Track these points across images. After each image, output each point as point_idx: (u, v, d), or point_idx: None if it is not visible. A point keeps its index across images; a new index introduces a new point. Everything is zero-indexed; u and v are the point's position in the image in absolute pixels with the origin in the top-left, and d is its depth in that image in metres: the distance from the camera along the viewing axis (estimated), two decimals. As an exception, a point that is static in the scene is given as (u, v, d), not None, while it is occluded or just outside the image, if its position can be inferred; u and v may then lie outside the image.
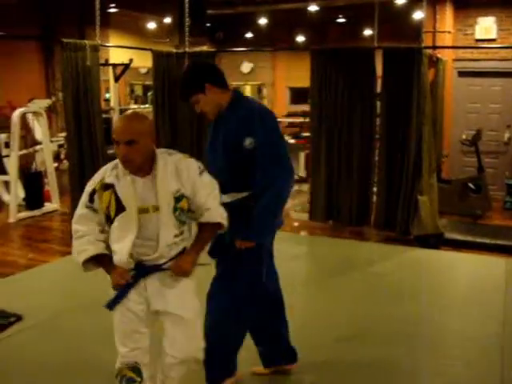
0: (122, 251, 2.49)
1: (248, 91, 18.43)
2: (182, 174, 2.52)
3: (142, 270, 2.52)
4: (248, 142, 2.81)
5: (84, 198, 2.57)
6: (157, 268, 2.53)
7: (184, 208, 2.53)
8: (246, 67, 17.73)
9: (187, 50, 7.18)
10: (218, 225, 2.60)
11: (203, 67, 3.00)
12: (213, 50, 7.47)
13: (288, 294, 3.31)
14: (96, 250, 2.51)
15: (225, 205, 2.72)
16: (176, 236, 2.53)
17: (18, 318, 4.12)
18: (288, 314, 3.27)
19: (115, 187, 2.49)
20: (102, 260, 2.54)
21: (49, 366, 3.51)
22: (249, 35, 16.06)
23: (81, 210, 2.56)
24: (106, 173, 2.55)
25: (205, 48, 12.08)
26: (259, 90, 18.18)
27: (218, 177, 2.75)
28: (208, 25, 15.88)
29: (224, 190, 2.79)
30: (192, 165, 2.57)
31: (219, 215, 2.59)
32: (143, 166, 2.48)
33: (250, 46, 14.10)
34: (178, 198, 2.50)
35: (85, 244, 2.52)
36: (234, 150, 2.85)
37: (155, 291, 2.55)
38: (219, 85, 2.91)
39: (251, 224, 2.83)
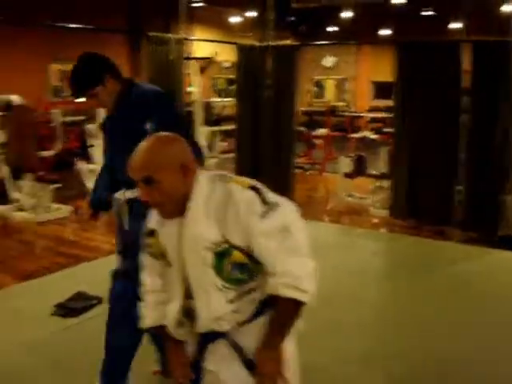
0: (168, 317, 1.91)
1: (330, 85, 18.33)
2: (229, 213, 1.69)
3: (202, 341, 1.87)
4: (148, 125, 2.63)
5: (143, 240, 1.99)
6: (219, 336, 1.82)
7: (239, 262, 1.74)
8: (329, 61, 17.62)
9: (271, 43, 7.23)
10: (295, 301, 1.69)
11: (99, 58, 2.82)
12: (297, 43, 7.44)
13: (364, 291, 3.27)
14: (153, 321, 1.98)
15: (131, 200, 2.69)
16: (231, 302, 1.77)
17: (99, 301, 4.28)
18: (364, 310, 3.23)
19: (158, 234, 1.87)
20: (162, 331, 1.96)
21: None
22: (332, 29, 15.93)
23: (142, 254, 2.01)
24: (151, 211, 1.91)
25: (288, 42, 12.06)
26: (342, 84, 18.02)
27: (123, 172, 2.65)
28: (291, 18, 15.87)
29: (129, 184, 2.51)
30: (249, 200, 1.70)
31: (294, 286, 1.67)
32: (178, 208, 1.77)
33: (334, 40, 13.97)
34: (222, 254, 1.72)
35: (145, 308, 2.00)
36: (137, 139, 2.64)
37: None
38: (116, 75, 2.79)
39: None
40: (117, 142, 2.81)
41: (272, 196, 1.74)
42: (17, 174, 7.19)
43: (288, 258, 1.68)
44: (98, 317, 4.05)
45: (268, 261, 1.69)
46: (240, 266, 1.73)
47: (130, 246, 2.72)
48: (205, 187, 1.75)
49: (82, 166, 8.16)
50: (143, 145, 1.79)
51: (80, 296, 4.34)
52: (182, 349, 1.93)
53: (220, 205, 1.71)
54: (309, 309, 1.73)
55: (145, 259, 1.98)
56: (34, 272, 5.06)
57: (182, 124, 2.84)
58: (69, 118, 10.28)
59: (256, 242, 1.68)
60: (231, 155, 8.42)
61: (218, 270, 1.73)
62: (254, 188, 1.74)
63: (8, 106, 7.50)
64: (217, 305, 1.75)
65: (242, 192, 1.72)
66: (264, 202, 1.70)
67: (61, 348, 3.64)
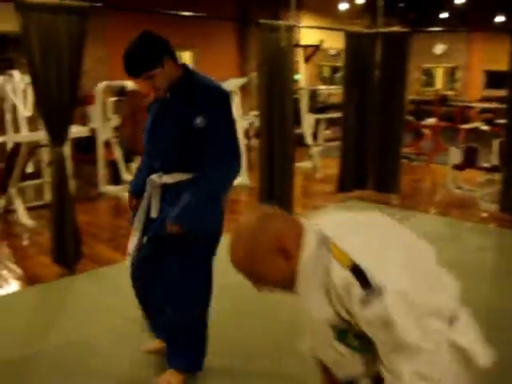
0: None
1: (440, 74, 17.76)
2: (332, 294, 1.61)
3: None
4: (199, 120, 2.55)
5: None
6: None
7: (361, 334, 1.66)
8: (439, 49, 17.07)
9: (380, 30, 7.10)
10: None
11: (160, 39, 2.66)
12: (407, 29, 7.26)
13: (470, 287, 3.17)
14: None
15: (167, 185, 2.67)
16: (362, 364, 1.75)
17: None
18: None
19: None
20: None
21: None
22: (443, 16, 15.41)
23: None
24: None
25: (396, 28, 11.80)
26: (452, 72, 17.42)
27: (163, 157, 2.67)
28: (400, 5, 15.50)
29: (167, 170, 2.69)
30: (346, 284, 1.56)
31: None
32: (288, 285, 1.71)
33: (444, 27, 13.50)
34: (343, 330, 1.67)
35: None
36: (184, 129, 2.58)
37: None
38: (175, 58, 2.67)
39: (184, 206, 2.58)
40: (161, 127, 2.73)
41: (376, 272, 1.54)
42: (129, 157, 7.53)
43: (392, 354, 1.57)
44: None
45: (376, 346, 1.62)
46: (362, 337, 1.65)
47: (153, 232, 2.77)
48: (312, 259, 1.64)
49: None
50: (235, 238, 1.72)
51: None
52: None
53: (323, 282, 1.61)
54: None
55: None
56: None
57: (232, 129, 2.68)
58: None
59: (362, 326, 1.60)
60: (336, 143, 8.38)
61: (341, 340, 1.68)
62: (354, 268, 1.55)
63: (122, 91, 7.85)
64: (348, 369, 1.73)
65: (340, 272, 1.56)
66: (364, 285, 1.53)
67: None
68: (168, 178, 2.71)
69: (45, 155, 7.11)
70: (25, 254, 5.28)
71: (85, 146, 8.51)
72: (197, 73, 2.76)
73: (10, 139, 6.81)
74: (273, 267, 1.65)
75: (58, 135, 4.38)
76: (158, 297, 2.96)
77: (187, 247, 2.68)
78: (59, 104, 4.29)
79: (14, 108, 8.57)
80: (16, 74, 8.70)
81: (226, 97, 2.68)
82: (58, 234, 4.49)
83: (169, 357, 2.98)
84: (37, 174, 7.12)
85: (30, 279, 4.62)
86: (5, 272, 4.77)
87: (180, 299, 2.84)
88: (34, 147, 6.40)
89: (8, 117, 8.77)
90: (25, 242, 5.72)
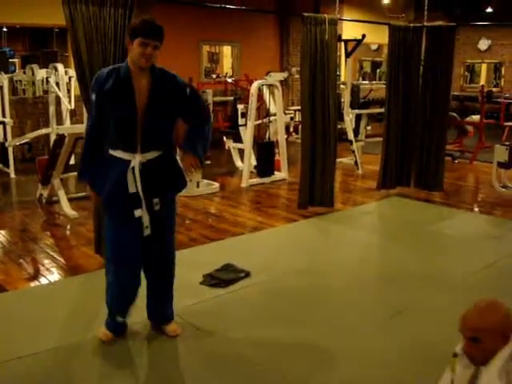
0: None
1: (484, 70, 17.37)
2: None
3: None
4: (188, 91, 3.17)
5: None
6: None
7: None
8: (484, 44, 16.69)
9: (425, 24, 6.98)
10: None
11: None
12: (452, 24, 7.12)
13: None
14: None
15: (149, 161, 3.09)
16: None
17: (247, 274, 4.42)
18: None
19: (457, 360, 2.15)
20: None
21: (264, 319, 3.73)
22: (489, 10, 15.07)
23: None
24: None
25: (441, 22, 11.58)
26: (496, 68, 17.02)
27: (149, 135, 3.07)
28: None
29: (147, 148, 3.09)
30: None
31: None
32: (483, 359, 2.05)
33: (489, 22, 13.20)
34: None
35: None
36: (171, 105, 3.13)
37: None
38: None
39: (197, 143, 3.21)
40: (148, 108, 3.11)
41: None
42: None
43: None
44: (246, 288, 4.20)
45: None
46: None
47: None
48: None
49: (230, 144, 8.42)
50: (479, 306, 2.07)
51: (228, 268, 4.50)
52: None
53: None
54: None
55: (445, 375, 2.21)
56: (183, 243, 5.31)
57: None
58: (218, 98, 10.63)
59: None
60: (377, 139, 8.28)
61: None
62: None
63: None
64: None
65: None
66: None
67: (207, 316, 3.78)
68: (149, 155, 3.13)
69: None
70: (67, 245, 5.35)
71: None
72: None
73: (53, 131, 6.90)
74: (492, 343, 2.00)
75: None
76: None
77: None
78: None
79: (58, 101, 8.72)
80: (60, 67, 8.83)
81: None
82: (100, 226, 4.52)
83: (167, 311, 3.54)
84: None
85: (72, 269, 4.69)
86: (48, 262, 4.85)
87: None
88: (77, 139, 6.46)
89: (51, 109, 8.93)
90: (67, 233, 5.80)
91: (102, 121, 3.10)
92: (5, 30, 11.03)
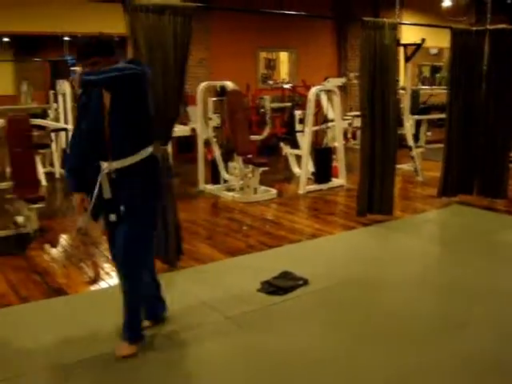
0: None
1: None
2: None
3: None
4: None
5: None
6: None
7: None
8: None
9: (488, 27, 6.78)
10: None
11: (114, 39, 3.22)
12: (518, 27, 6.89)
13: None
14: None
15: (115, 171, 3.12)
16: None
17: (305, 282, 4.36)
18: None
19: None
20: None
21: (321, 330, 3.66)
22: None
23: None
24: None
25: (504, 26, 11.25)
26: None
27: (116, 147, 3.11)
28: (509, 1, 14.79)
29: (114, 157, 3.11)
30: None
31: None
32: None
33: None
34: None
35: None
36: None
37: None
38: (116, 59, 3.10)
39: None
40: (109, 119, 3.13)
41: None
42: (228, 156, 7.61)
43: None
44: (303, 297, 4.15)
45: None
46: None
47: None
48: None
49: (287, 151, 8.39)
50: None
51: (286, 275, 4.46)
52: None
53: None
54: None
55: None
56: (241, 249, 5.31)
57: None
58: (275, 105, 10.63)
59: None
60: (437, 145, 8.09)
61: None
62: None
63: (222, 91, 7.95)
64: None
65: None
66: None
67: (264, 324, 3.75)
68: (115, 165, 3.14)
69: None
70: (127, 249, 5.41)
71: (185, 145, 8.69)
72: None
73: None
74: None
75: (163, 134, 4.46)
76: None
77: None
78: (165, 103, 4.37)
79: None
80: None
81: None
82: (160, 230, 4.56)
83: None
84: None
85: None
86: (108, 266, 4.92)
87: None
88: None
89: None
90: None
91: None
92: (67, 39, 11.33)
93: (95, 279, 4.66)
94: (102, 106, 3.11)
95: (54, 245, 5.63)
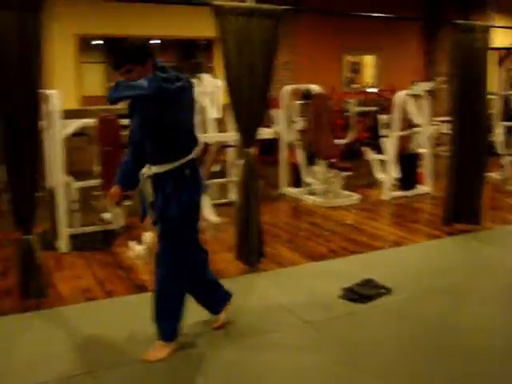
0: None
1: None
2: None
3: None
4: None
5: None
6: None
7: None
8: None
9: None
10: None
11: (147, 43, 3.16)
12: None
13: None
14: None
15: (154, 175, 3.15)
16: None
17: (388, 291, 4.26)
18: None
19: None
20: None
21: (401, 343, 3.55)
22: None
23: None
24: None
25: None
26: None
27: (147, 153, 3.14)
28: None
29: (154, 162, 3.14)
30: None
31: None
32: None
33: None
34: None
35: None
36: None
37: None
38: (153, 64, 3.04)
39: None
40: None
41: None
42: (311, 160, 7.56)
43: None
44: (385, 306, 4.05)
45: None
46: None
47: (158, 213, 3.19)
48: None
49: (371, 156, 8.25)
50: None
51: (369, 283, 4.37)
52: None
53: None
54: None
55: None
56: (322, 254, 5.25)
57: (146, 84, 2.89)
58: (360, 109, 10.49)
59: None
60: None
61: None
62: None
63: (307, 94, 7.91)
64: None
65: None
66: None
67: (344, 331, 3.68)
68: (155, 169, 3.16)
69: (230, 155, 7.37)
70: (210, 249, 5.44)
71: (268, 148, 8.71)
72: (165, 70, 3.05)
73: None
74: None
75: (249, 137, 4.48)
76: None
77: None
78: (252, 106, 4.39)
79: (203, 110, 9.01)
80: (206, 77, 9.13)
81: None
82: (242, 233, 4.59)
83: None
84: (222, 173, 7.40)
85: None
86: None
87: None
88: (222, 147, 6.65)
89: (196, 118, 9.23)
90: (209, 238, 5.95)
91: None
92: (158, 42, 11.64)
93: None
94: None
95: (139, 242, 5.76)
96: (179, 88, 2.98)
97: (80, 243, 5.54)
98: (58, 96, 5.30)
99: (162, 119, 3.01)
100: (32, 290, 4.05)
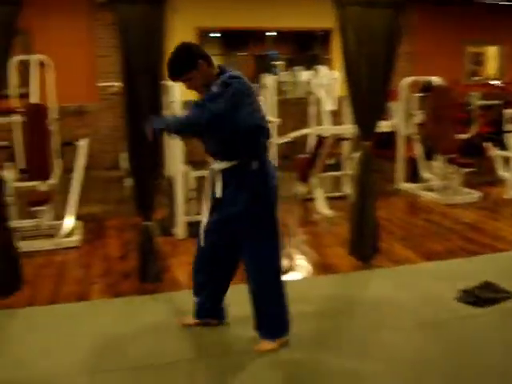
0: None
1: None
2: None
3: None
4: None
5: None
6: None
7: None
8: None
9: None
10: None
11: (193, 46, 3.14)
12: None
13: None
14: None
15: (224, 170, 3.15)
16: None
17: (509, 296, 4.02)
18: None
19: None
20: None
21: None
22: None
23: None
24: None
25: None
26: None
27: (215, 150, 3.18)
28: None
29: (222, 158, 3.15)
30: None
31: None
32: None
33: None
34: None
35: None
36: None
37: None
38: (208, 61, 3.10)
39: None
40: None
41: None
42: (429, 155, 7.31)
43: None
44: (504, 311, 3.83)
45: None
46: None
47: (219, 207, 3.23)
48: None
49: (494, 152, 7.84)
50: None
51: (489, 286, 4.14)
52: None
53: None
54: None
55: None
56: (439, 253, 5.06)
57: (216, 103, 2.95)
58: (483, 102, 10.00)
59: None
60: None
61: None
62: None
63: (427, 87, 7.64)
64: None
65: None
66: None
67: (459, 334, 3.52)
68: (224, 164, 3.15)
69: (346, 148, 7.27)
70: (321, 243, 5.45)
71: (385, 142, 8.51)
72: (228, 69, 3.13)
73: (313, 132, 7.10)
74: None
75: (367, 130, 4.38)
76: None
77: None
78: (371, 99, 4.28)
79: (318, 102, 8.96)
80: (322, 69, 9.06)
81: (236, 81, 3.00)
82: (357, 227, 4.51)
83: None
84: (337, 166, 7.32)
85: (324, 268, 4.74)
86: (301, 258, 4.98)
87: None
88: (337, 140, 6.58)
89: (312, 110, 9.21)
90: (322, 231, 5.91)
91: None
92: (273, 34, 11.69)
93: (288, 269, 4.72)
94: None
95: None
96: (237, 89, 2.98)
97: (196, 231, 5.65)
98: (177, 87, 5.45)
99: (226, 124, 3.01)
100: (149, 274, 4.21)
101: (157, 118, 3.47)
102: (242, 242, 3.27)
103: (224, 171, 3.17)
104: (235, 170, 3.14)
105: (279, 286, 3.31)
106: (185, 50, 3.10)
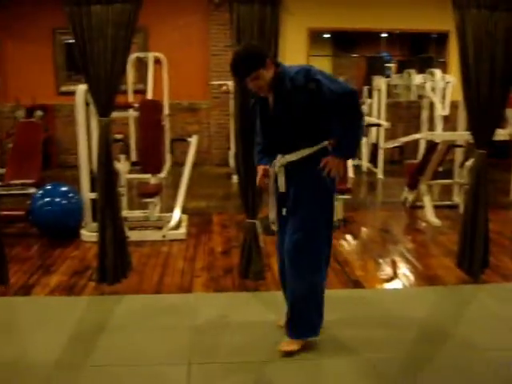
0: None
1: None
2: None
3: None
4: (310, 85, 2.94)
5: None
6: None
7: None
8: None
9: None
10: None
11: (259, 45, 3.35)
12: None
13: None
14: None
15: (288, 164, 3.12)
16: None
17: None
18: None
19: None
20: None
21: None
22: None
23: None
24: None
25: None
26: None
27: (281, 144, 3.14)
28: None
29: (285, 152, 3.13)
30: None
31: None
32: None
33: None
34: None
35: None
36: (305, 105, 3.00)
37: None
38: (273, 59, 3.16)
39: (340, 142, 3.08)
40: (280, 119, 3.11)
41: None
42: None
43: None
44: None
45: None
46: None
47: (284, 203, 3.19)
48: None
49: None
50: None
51: None
52: None
53: None
54: None
55: None
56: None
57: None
58: None
59: None
60: None
61: None
62: None
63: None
64: None
65: None
66: None
67: None
68: (288, 158, 3.13)
69: (458, 156, 7.00)
70: (427, 253, 5.27)
71: (500, 150, 8.12)
72: (281, 65, 3.12)
73: (425, 137, 6.89)
74: None
75: (482, 137, 4.18)
76: None
77: None
78: (489, 105, 4.08)
79: (431, 106, 8.70)
80: (437, 72, 8.80)
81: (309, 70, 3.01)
82: (467, 239, 4.32)
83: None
84: (447, 174, 7.06)
85: (428, 278, 4.58)
86: (405, 266, 4.84)
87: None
88: (450, 146, 6.34)
89: (424, 114, 8.97)
90: (428, 240, 5.72)
91: None
92: (385, 35, 11.47)
93: (391, 277, 4.62)
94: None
95: (355, 236, 5.76)
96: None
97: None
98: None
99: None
100: (252, 272, 4.25)
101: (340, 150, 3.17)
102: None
103: (291, 164, 3.14)
104: (318, 155, 3.10)
105: (315, 283, 3.23)
106: (254, 49, 3.15)
